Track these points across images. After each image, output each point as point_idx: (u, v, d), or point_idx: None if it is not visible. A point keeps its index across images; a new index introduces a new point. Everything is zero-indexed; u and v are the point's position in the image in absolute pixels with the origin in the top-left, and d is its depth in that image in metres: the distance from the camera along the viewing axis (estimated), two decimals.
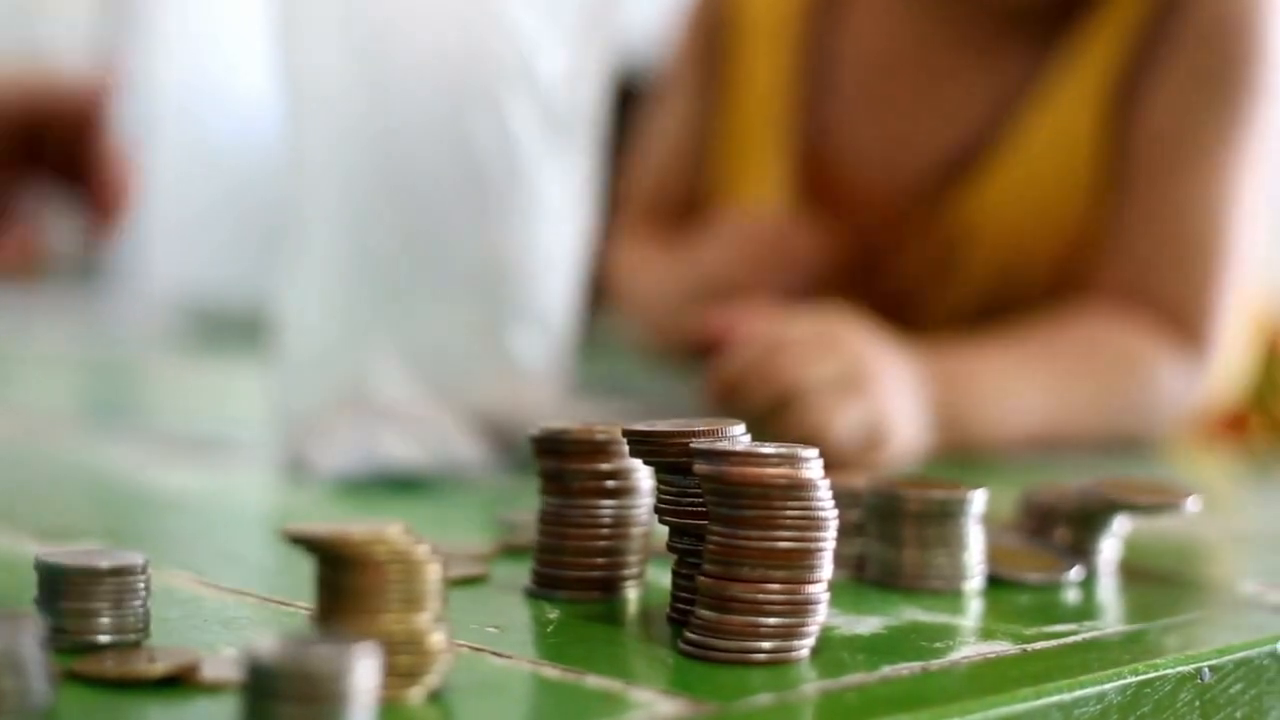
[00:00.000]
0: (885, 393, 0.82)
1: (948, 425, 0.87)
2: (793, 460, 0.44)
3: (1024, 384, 0.92)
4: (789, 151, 1.11)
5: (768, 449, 0.45)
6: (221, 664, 0.41)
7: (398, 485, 0.71)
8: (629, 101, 1.12)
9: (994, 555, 0.58)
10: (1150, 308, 0.99)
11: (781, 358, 0.81)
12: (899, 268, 1.07)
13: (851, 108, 1.09)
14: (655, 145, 1.23)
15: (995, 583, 0.56)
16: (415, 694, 0.39)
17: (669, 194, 1.21)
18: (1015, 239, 1.04)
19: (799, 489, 0.44)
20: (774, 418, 0.80)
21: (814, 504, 0.44)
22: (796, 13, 1.13)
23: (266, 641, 0.36)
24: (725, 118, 1.16)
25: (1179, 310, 1.00)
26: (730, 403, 0.82)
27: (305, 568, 0.55)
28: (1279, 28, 1.01)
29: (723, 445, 0.45)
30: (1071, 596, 0.56)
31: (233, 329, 1.65)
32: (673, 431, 0.47)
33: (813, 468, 0.45)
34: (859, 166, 1.08)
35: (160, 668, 0.40)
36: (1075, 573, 0.58)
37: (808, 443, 0.78)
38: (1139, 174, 1.01)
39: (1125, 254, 1.01)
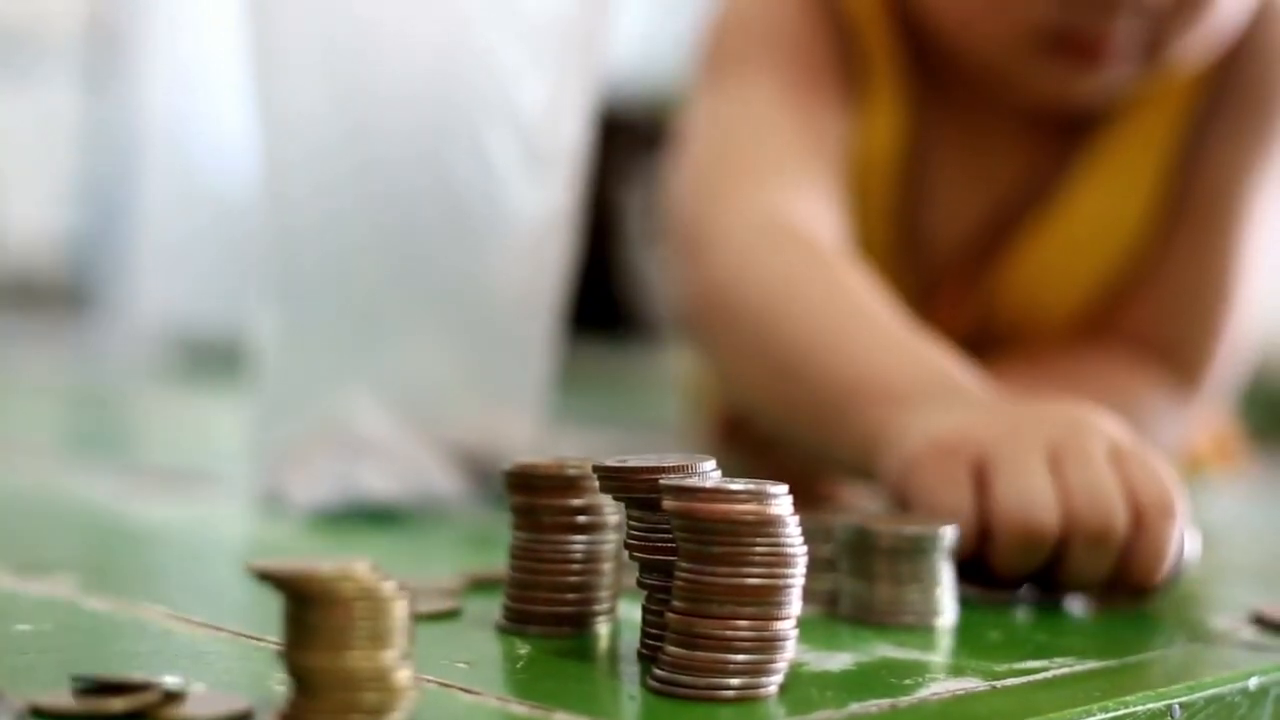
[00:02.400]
0: None
1: None
2: (761, 497, 0.44)
3: None
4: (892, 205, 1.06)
5: (736, 485, 0.45)
6: (199, 701, 0.41)
7: (374, 518, 0.72)
8: (612, 133, 1.11)
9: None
10: (1157, 353, 0.99)
11: None
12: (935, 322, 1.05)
13: (933, 168, 1.06)
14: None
15: (968, 617, 0.57)
16: None
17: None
18: (1050, 309, 1.04)
19: (767, 525, 0.44)
20: None
21: (783, 540, 0.44)
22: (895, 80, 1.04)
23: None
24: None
25: (1183, 357, 1.00)
26: None
27: (277, 603, 0.55)
28: None
29: (691, 481, 0.45)
30: (1043, 632, 0.56)
31: (218, 360, 1.65)
32: (642, 467, 0.47)
33: (781, 504, 0.45)
34: (927, 220, 1.06)
35: (120, 703, 0.40)
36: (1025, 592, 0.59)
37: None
38: (1182, 234, 1.01)
39: (1148, 301, 1.01)
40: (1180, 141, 1.01)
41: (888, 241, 1.05)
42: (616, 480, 0.48)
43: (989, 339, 1.04)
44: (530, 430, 0.77)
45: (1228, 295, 1.01)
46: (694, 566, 0.44)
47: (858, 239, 1.01)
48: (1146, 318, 1.01)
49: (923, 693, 0.46)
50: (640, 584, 0.48)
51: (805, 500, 0.77)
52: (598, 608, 0.52)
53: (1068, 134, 1.03)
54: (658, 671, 0.45)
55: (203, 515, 0.76)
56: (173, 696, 0.41)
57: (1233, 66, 1.01)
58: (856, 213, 1.02)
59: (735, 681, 0.44)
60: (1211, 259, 1.01)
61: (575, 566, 0.51)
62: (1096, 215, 1.02)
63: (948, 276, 1.05)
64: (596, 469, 0.49)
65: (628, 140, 1.21)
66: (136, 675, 0.42)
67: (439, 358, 0.74)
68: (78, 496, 0.79)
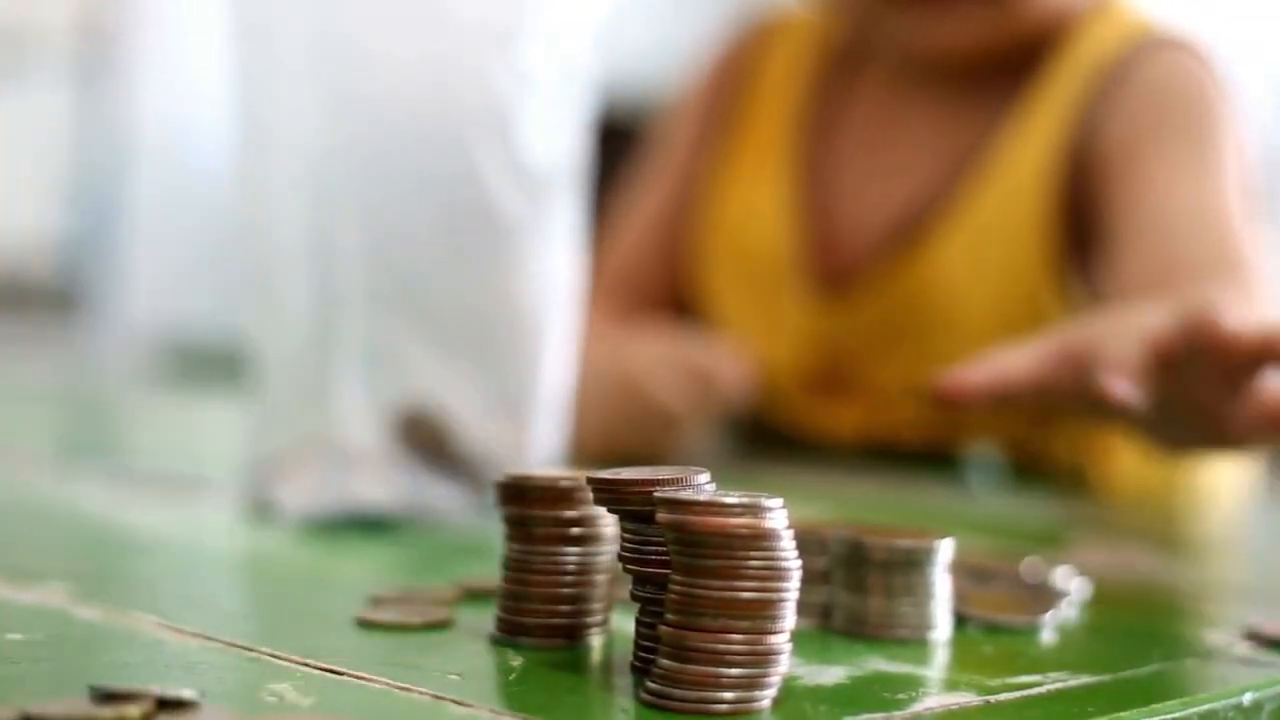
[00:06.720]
0: None
1: None
2: (755, 510, 0.44)
3: None
4: (793, 189, 1.13)
5: (730, 498, 0.45)
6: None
7: (368, 527, 0.71)
8: (606, 139, 1.11)
9: (967, 599, 0.58)
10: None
11: None
12: (851, 326, 1.08)
13: (842, 162, 1.13)
14: (634, 219, 1.22)
15: (962, 631, 0.56)
16: None
17: (639, 271, 1.20)
18: (965, 301, 1.05)
19: (762, 539, 0.44)
20: None
21: (777, 554, 0.44)
22: (804, 74, 1.16)
23: None
24: (728, 161, 1.17)
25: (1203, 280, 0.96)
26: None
27: (269, 612, 0.55)
28: (1221, 84, 1.03)
29: (685, 494, 0.45)
30: (1037, 647, 0.56)
31: (212, 365, 1.65)
32: (636, 480, 0.47)
33: (776, 518, 0.45)
34: (837, 217, 1.10)
35: (108, 713, 0.40)
36: (1050, 616, 0.59)
37: None
38: (1114, 193, 1.01)
39: (1129, 253, 0.98)
40: (1071, 138, 1.04)
41: (794, 225, 1.10)
42: (610, 492, 0.48)
43: (905, 332, 1.06)
44: (545, 443, 0.76)
45: (1209, 220, 0.98)
46: (687, 579, 0.44)
47: (756, 212, 1.13)
48: (1138, 269, 0.97)
49: (916, 707, 0.46)
50: (634, 596, 0.48)
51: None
52: (591, 620, 0.51)
53: (973, 129, 1.07)
54: (650, 685, 0.45)
55: (194, 523, 0.76)
56: (168, 704, 0.41)
57: (1126, 78, 1.03)
58: (757, 175, 1.14)
59: (728, 695, 0.44)
60: (1162, 213, 0.99)
61: (568, 578, 0.51)
62: (999, 201, 1.05)
63: (859, 269, 1.08)
64: (590, 481, 0.48)
65: (621, 146, 1.21)
66: (153, 687, 0.42)
67: (433, 369, 0.74)
68: (68, 503, 0.78)
